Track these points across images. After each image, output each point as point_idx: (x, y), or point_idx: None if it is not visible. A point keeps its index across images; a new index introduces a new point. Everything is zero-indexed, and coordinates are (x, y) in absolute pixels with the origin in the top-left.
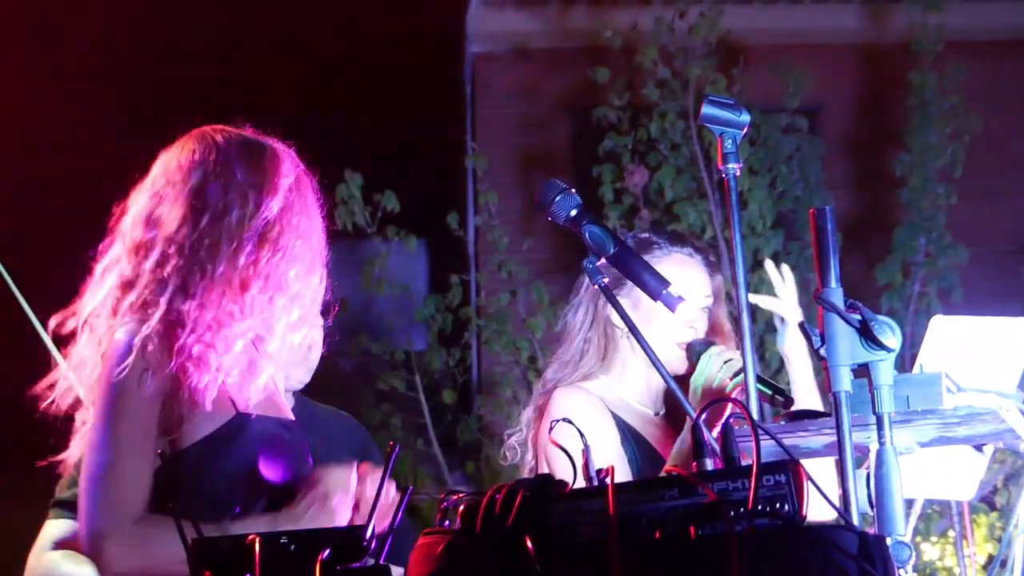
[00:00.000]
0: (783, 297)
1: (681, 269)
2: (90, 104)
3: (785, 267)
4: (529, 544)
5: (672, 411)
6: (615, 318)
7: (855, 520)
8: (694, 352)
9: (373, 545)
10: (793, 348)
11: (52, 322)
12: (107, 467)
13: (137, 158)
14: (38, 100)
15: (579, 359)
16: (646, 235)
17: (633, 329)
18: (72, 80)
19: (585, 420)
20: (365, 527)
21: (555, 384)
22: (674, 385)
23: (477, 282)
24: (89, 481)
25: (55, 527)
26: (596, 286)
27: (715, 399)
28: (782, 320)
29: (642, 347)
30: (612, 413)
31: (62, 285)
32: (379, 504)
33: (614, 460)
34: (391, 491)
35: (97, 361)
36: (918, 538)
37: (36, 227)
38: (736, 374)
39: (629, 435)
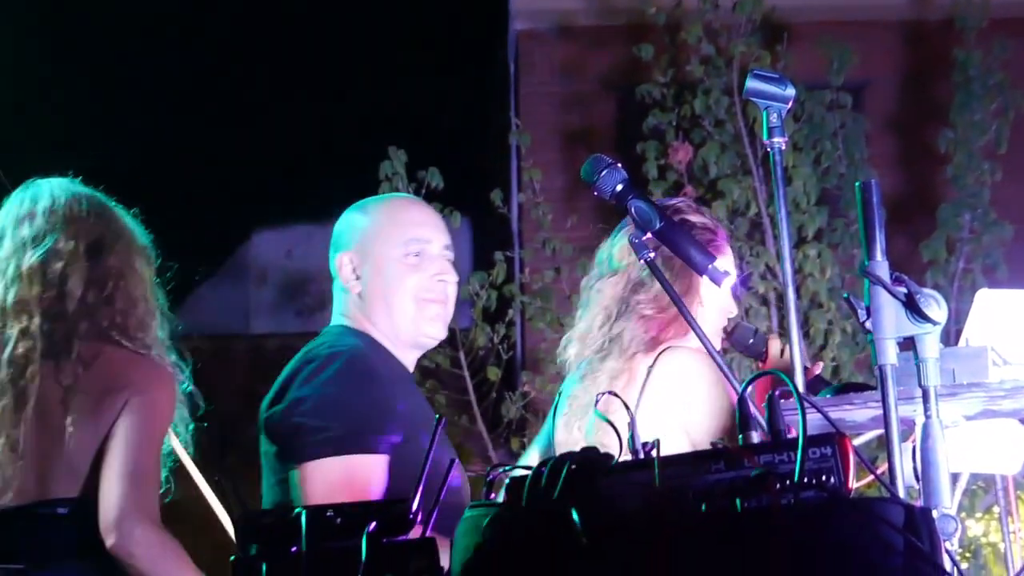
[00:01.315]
0: None
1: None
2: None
3: None
4: (575, 517)
5: None
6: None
7: (901, 493)
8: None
9: (419, 517)
10: None
11: None
12: None
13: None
14: None
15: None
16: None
17: (679, 304)
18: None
19: (710, 379)
20: (411, 500)
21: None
22: (720, 360)
23: (521, 259)
24: None
25: None
26: (642, 261)
27: (761, 372)
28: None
29: (687, 321)
30: None
31: None
32: (425, 476)
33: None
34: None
35: None
36: (963, 514)
37: None
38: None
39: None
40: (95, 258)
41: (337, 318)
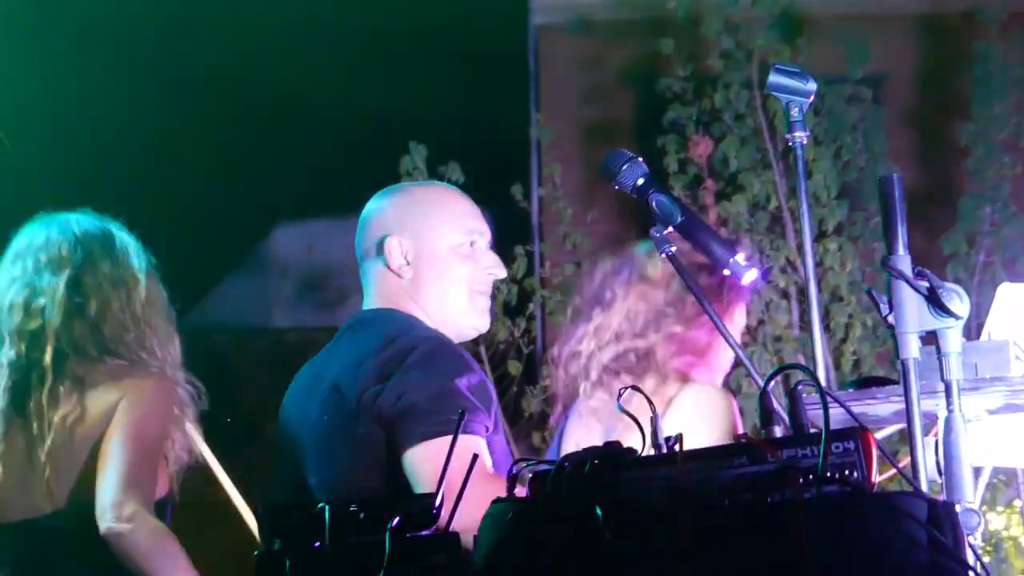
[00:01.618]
0: None
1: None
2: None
3: None
4: (598, 512)
5: None
6: None
7: (923, 487)
8: None
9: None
10: None
11: None
12: None
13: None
14: None
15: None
16: None
17: (702, 301)
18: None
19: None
20: (435, 494)
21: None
22: (743, 354)
23: (541, 253)
24: None
25: None
26: (664, 255)
27: (783, 366)
28: None
29: (711, 318)
30: None
31: None
32: (448, 470)
33: None
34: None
35: None
36: (984, 507)
37: None
38: None
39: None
40: (74, 290)
41: (377, 300)
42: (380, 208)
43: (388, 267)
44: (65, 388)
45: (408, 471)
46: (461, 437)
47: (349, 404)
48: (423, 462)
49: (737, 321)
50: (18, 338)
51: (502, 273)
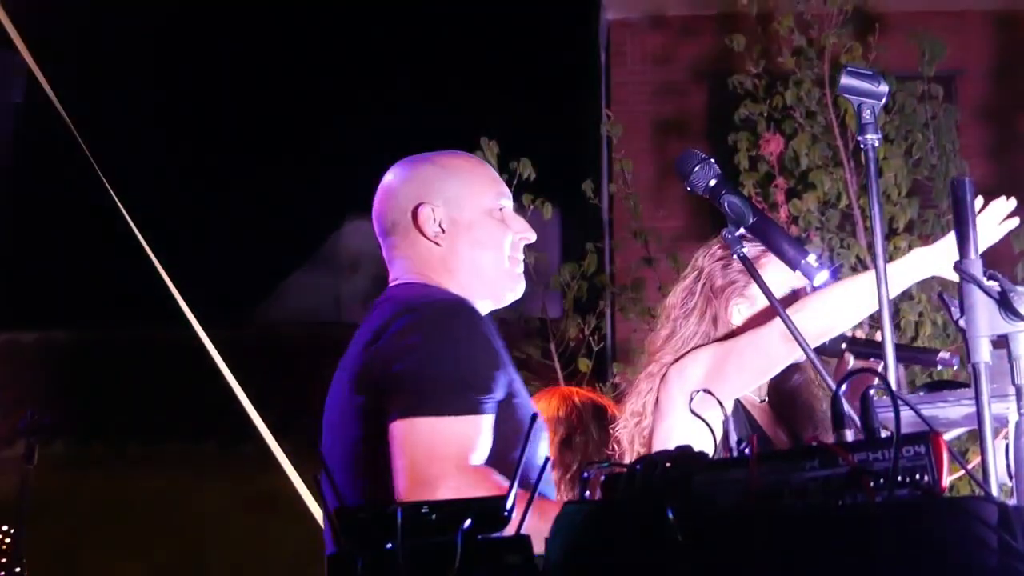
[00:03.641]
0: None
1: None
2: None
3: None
4: (671, 515)
5: (773, 399)
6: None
7: (994, 491)
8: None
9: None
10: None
11: None
12: None
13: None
14: None
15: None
16: None
17: (773, 302)
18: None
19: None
20: (507, 497)
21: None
22: (813, 355)
23: (612, 249)
24: None
25: None
26: (736, 257)
27: (854, 370)
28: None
29: (783, 320)
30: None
31: None
32: (519, 472)
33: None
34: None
35: None
36: None
37: None
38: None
39: (746, 420)
40: None
41: (408, 273)
42: (405, 178)
43: (424, 236)
44: None
45: (393, 444)
46: (457, 419)
47: (350, 372)
48: (403, 438)
49: None
50: None
51: (533, 237)
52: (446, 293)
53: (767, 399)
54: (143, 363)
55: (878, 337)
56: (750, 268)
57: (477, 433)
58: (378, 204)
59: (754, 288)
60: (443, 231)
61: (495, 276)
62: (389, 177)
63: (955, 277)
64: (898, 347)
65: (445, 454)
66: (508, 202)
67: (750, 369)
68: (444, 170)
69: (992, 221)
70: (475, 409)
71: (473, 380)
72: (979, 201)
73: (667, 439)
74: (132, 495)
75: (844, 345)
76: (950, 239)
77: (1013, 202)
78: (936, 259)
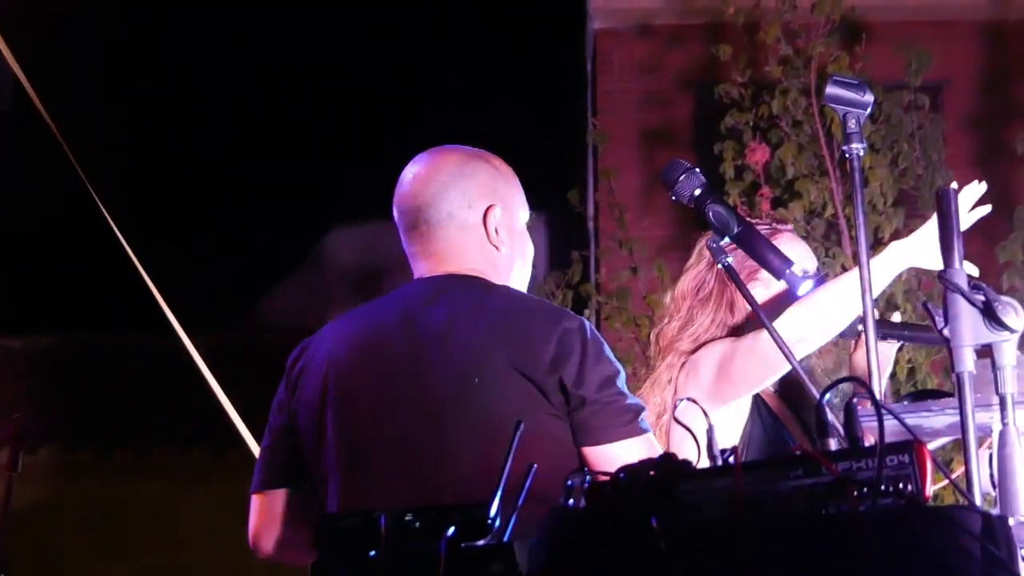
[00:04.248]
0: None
1: (796, 246)
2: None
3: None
4: (655, 523)
5: (783, 389)
6: (739, 300)
7: (977, 500)
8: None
9: (498, 523)
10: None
11: None
12: None
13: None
14: None
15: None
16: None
17: (756, 309)
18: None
19: None
20: (490, 504)
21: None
22: (796, 364)
23: (597, 258)
24: None
25: None
26: (720, 267)
27: (840, 379)
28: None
29: (766, 328)
30: None
31: None
32: (504, 480)
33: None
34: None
35: None
36: None
37: None
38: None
39: (764, 408)
40: None
41: (474, 271)
42: (465, 173)
43: (488, 238)
44: None
45: (591, 464)
46: (646, 436)
47: (535, 387)
48: (615, 460)
49: None
50: None
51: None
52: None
53: (779, 389)
54: (131, 369)
55: (895, 318)
56: (736, 279)
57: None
58: (425, 189)
59: None
60: (501, 236)
61: (525, 288)
62: (440, 165)
63: (932, 266)
64: (905, 325)
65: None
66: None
67: (752, 376)
68: (500, 174)
69: (963, 207)
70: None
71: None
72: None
73: (684, 436)
74: (120, 501)
75: (860, 327)
76: (926, 228)
77: (984, 186)
78: (913, 250)
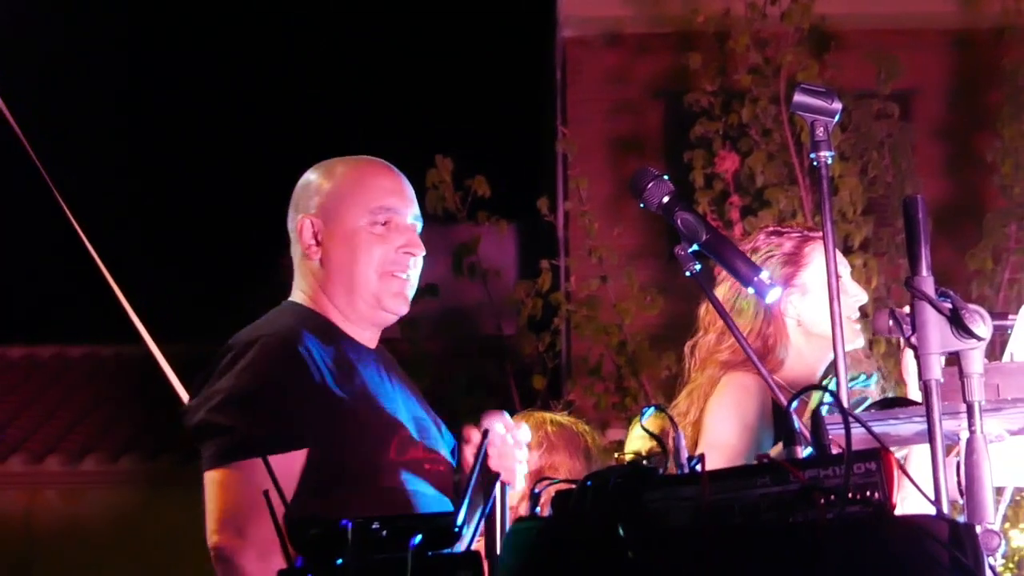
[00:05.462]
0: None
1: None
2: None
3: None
4: (621, 531)
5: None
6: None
7: (945, 508)
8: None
9: (464, 531)
10: None
11: None
12: None
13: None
14: None
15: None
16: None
17: (724, 315)
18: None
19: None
20: (457, 513)
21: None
22: (765, 371)
23: (567, 267)
24: None
25: None
26: (688, 275)
27: (807, 387)
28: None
29: (736, 339)
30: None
31: None
32: (471, 489)
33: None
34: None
35: None
36: (1007, 525)
37: None
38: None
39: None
40: None
41: (294, 292)
42: (299, 186)
43: (302, 250)
44: None
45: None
46: (243, 464)
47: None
48: (211, 489)
49: None
50: None
51: (417, 251)
52: (272, 327)
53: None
54: (99, 379)
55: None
56: (703, 286)
57: (277, 471)
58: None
59: (805, 275)
60: (318, 245)
61: (365, 295)
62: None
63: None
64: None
65: (245, 497)
66: (398, 214)
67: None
68: (329, 180)
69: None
70: (281, 447)
71: (279, 417)
72: None
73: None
74: (88, 512)
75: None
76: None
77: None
78: None
